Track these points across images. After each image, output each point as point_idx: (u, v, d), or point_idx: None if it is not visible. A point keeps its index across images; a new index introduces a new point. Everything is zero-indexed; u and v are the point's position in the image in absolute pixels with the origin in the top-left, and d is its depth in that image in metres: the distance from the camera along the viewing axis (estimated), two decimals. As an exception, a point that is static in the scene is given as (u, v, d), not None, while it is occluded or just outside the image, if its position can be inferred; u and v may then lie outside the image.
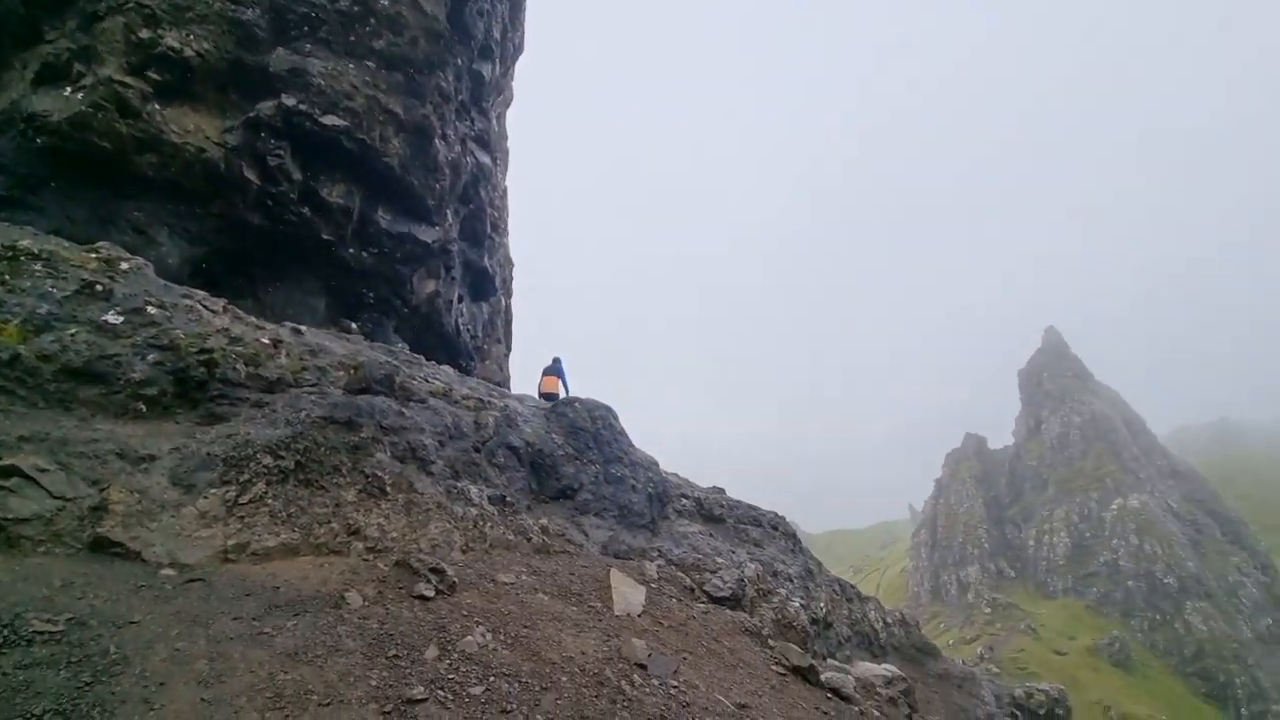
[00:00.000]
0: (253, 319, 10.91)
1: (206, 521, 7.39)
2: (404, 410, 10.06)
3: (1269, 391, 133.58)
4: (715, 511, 16.88)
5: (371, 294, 15.73)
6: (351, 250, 14.96)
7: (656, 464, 15.86)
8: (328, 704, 4.91)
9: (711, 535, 15.32)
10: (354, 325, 14.96)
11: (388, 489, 8.82)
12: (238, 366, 9.36)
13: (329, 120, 13.68)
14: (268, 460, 7.99)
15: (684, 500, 16.25)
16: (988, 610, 62.94)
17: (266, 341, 10.22)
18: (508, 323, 25.10)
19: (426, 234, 16.23)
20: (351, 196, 14.54)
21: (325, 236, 14.40)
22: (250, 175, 13.30)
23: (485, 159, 19.01)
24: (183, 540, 7.07)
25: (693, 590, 11.24)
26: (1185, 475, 74.95)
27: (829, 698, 8.48)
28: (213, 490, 7.58)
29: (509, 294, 25.28)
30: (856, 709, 8.49)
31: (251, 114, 13.33)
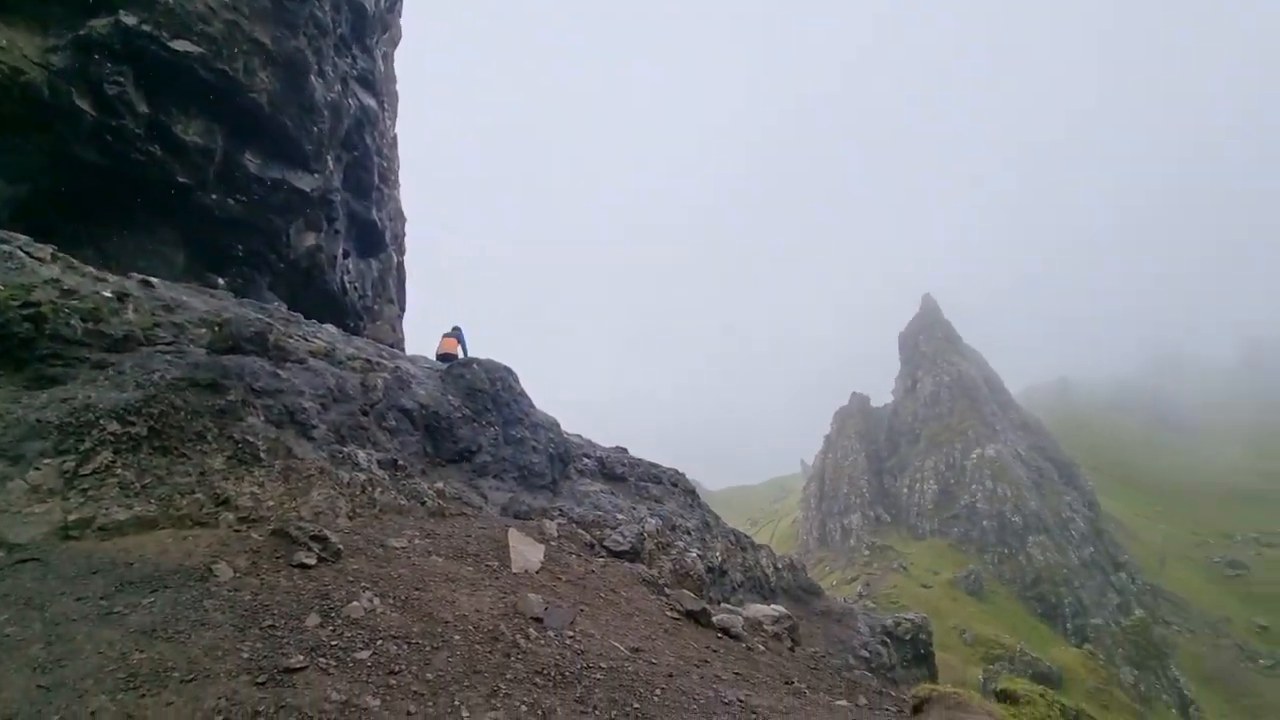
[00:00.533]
0: (91, 270, 9.60)
1: (40, 496, 6.55)
2: (279, 371, 9.31)
3: (1101, 355, 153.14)
4: (617, 470, 17.15)
5: (241, 246, 14.30)
6: (215, 196, 13.46)
7: (558, 425, 15.81)
8: (191, 679, 4.56)
9: (613, 493, 15.57)
10: (220, 280, 13.58)
11: (262, 455, 8.19)
12: (73, 322, 8.23)
13: (180, 45, 12.07)
14: (114, 427, 7.16)
15: (586, 460, 16.37)
16: (867, 553, 68.92)
17: (109, 295, 9.04)
18: (400, 282, 23.79)
19: (304, 181, 14.88)
20: (212, 135, 13.01)
21: (182, 180, 12.84)
22: (83, 104, 11.54)
23: (370, 101, 17.59)
24: (9, 517, 6.24)
25: (593, 546, 11.41)
26: (1032, 428, 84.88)
27: (719, 636, 8.96)
28: (46, 461, 6.71)
29: (401, 250, 23.89)
30: (744, 645, 9.04)
31: (81, 32, 11.49)
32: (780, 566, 24.45)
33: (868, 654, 22.41)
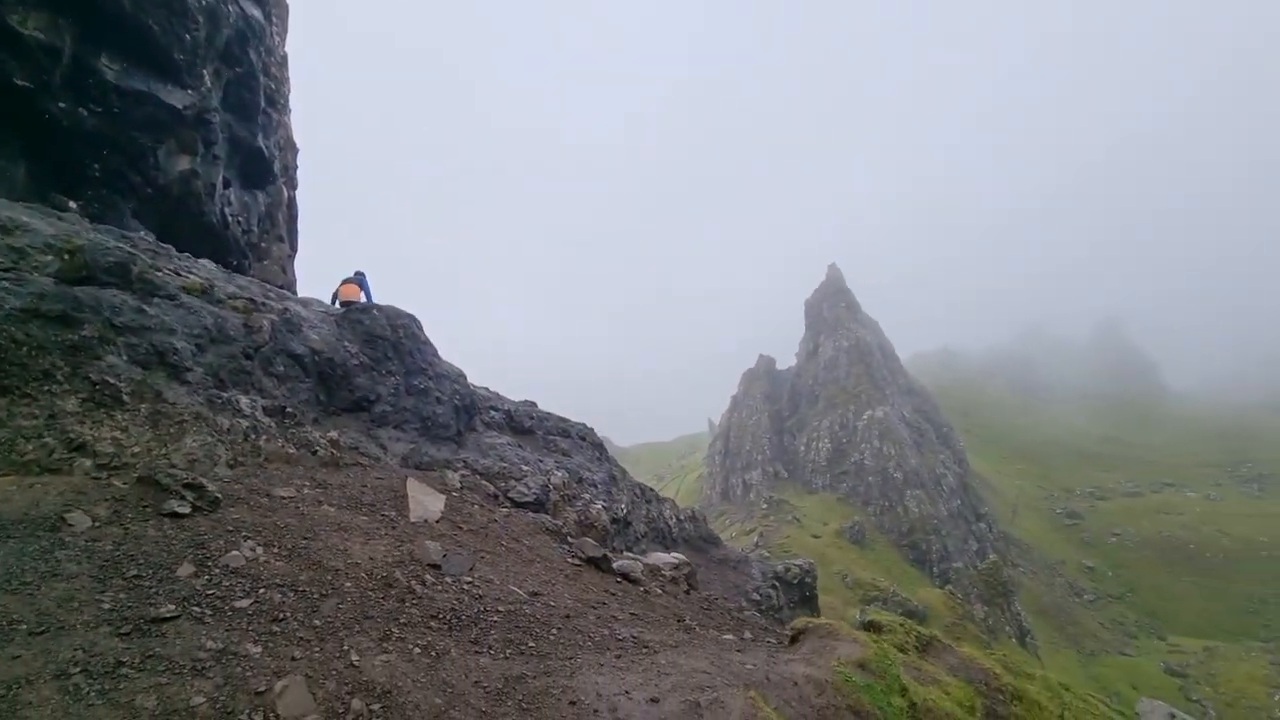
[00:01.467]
0: (-98, 179, 8.18)
1: None
2: (145, 307, 8.43)
3: (980, 327, 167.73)
4: (525, 423, 17.06)
5: (97, 166, 12.62)
6: (63, 105, 11.72)
7: (464, 376, 15.43)
8: (42, 631, 4.19)
9: (520, 446, 15.51)
10: (72, 204, 11.99)
11: (125, 398, 7.45)
12: (-121, 239, 7.02)
13: (14, -81, 10.24)
14: (-63, 360, 6.26)
15: (493, 413, 16.15)
16: (765, 506, 73.07)
17: (-73, 210, 7.76)
18: (292, 218, 21.97)
19: (175, 97, 13.25)
20: (58, 32, 11.24)
21: (20, 81, 11.07)
22: (-118, -23, 9.60)
23: (255, 11, 15.78)
24: None
25: (497, 497, 11.38)
26: (917, 392, 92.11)
27: (619, 581, 9.28)
28: None
29: (293, 184, 21.99)
30: (641, 588, 9.42)
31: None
32: (682, 518, 25.51)
33: (759, 596, 24.04)
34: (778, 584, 26.02)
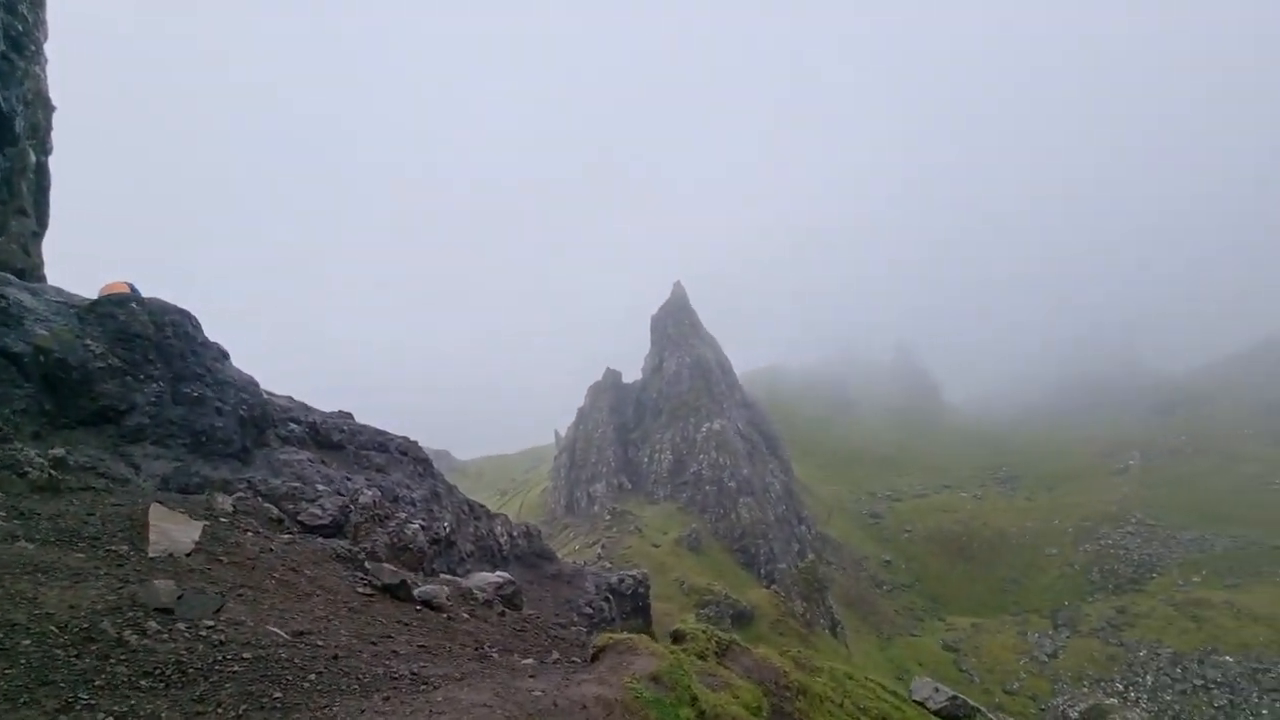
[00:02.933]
0: None
1: None
2: None
3: (802, 347, 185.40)
4: (333, 437, 15.44)
5: None
6: None
7: (256, 384, 13.57)
8: None
9: (324, 462, 13.96)
10: None
11: None
12: None
13: None
14: None
15: (293, 426, 14.39)
16: (608, 518, 73.80)
17: None
18: (41, 189, 18.12)
19: None
20: None
21: None
22: None
23: (-16, -67, 12.81)
24: None
25: (281, 521, 10.00)
26: (750, 405, 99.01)
27: (418, 610, 8.52)
28: None
29: (44, 148, 18.18)
30: (444, 615, 8.74)
31: None
32: (515, 534, 24.72)
33: (591, 610, 23.93)
34: (611, 596, 26.12)
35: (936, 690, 13.35)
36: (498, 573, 16.93)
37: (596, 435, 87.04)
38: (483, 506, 22.13)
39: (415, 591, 8.93)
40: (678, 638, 8.23)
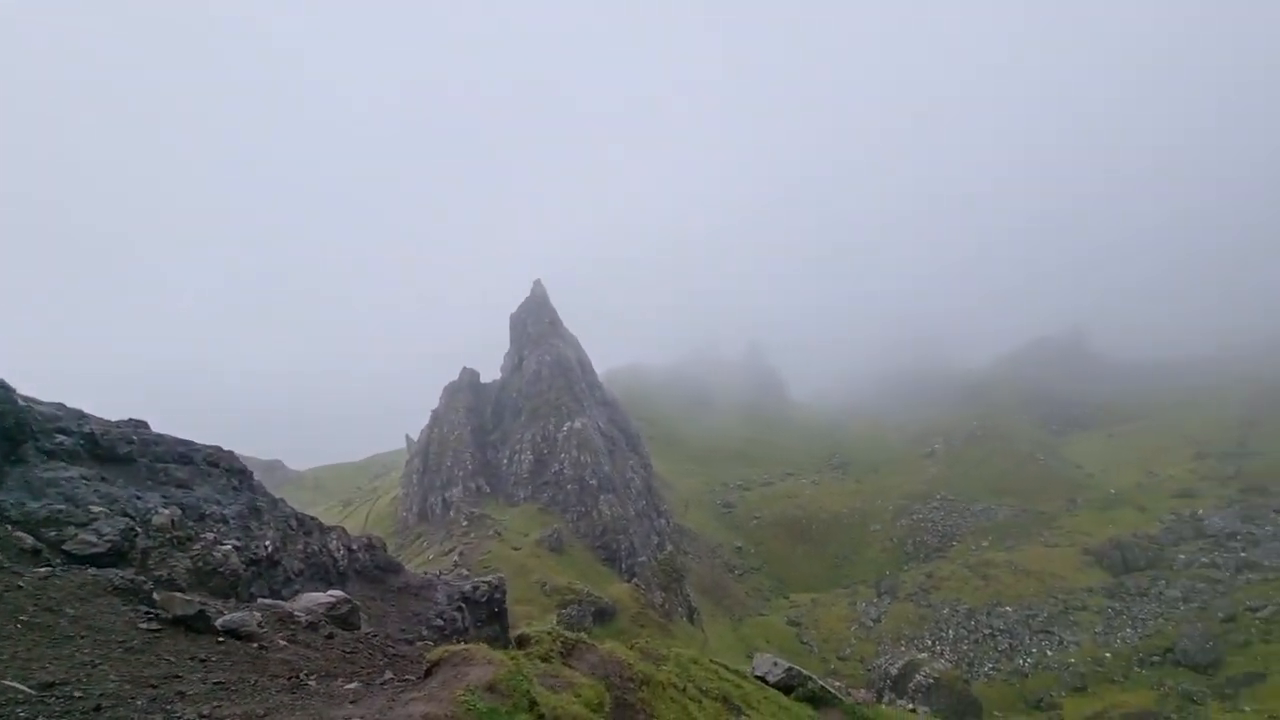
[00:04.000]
0: None
1: None
2: None
3: (661, 345, 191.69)
4: (120, 450, 13.20)
5: None
6: None
7: (8, 388, 11.17)
8: None
9: (105, 479, 11.86)
10: None
11: None
12: None
13: None
14: None
15: (61, 437, 12.06)
16: (465, 523, 70.99)
17: None
18: None
19: None
20: None
21: None
22: None
23: None
24: None
25: (38, 552, 8.30)
26: (611, 404, 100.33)
27: (219, 642, 7.47)
28: None
29: None
30: (255, 645, 7.75)
31: None
32: (355, 548, 22.86)
33: (443, 621, 22.76)
34: (465, 605, 25.05)
35: (775, 664, 14.32)
36: (331, 592, 15.49)
37: (452, 438, 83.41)
38: (314, 520, 20.17)
39: (218, 621, 7.83)
40: (522, 642, 7.99)
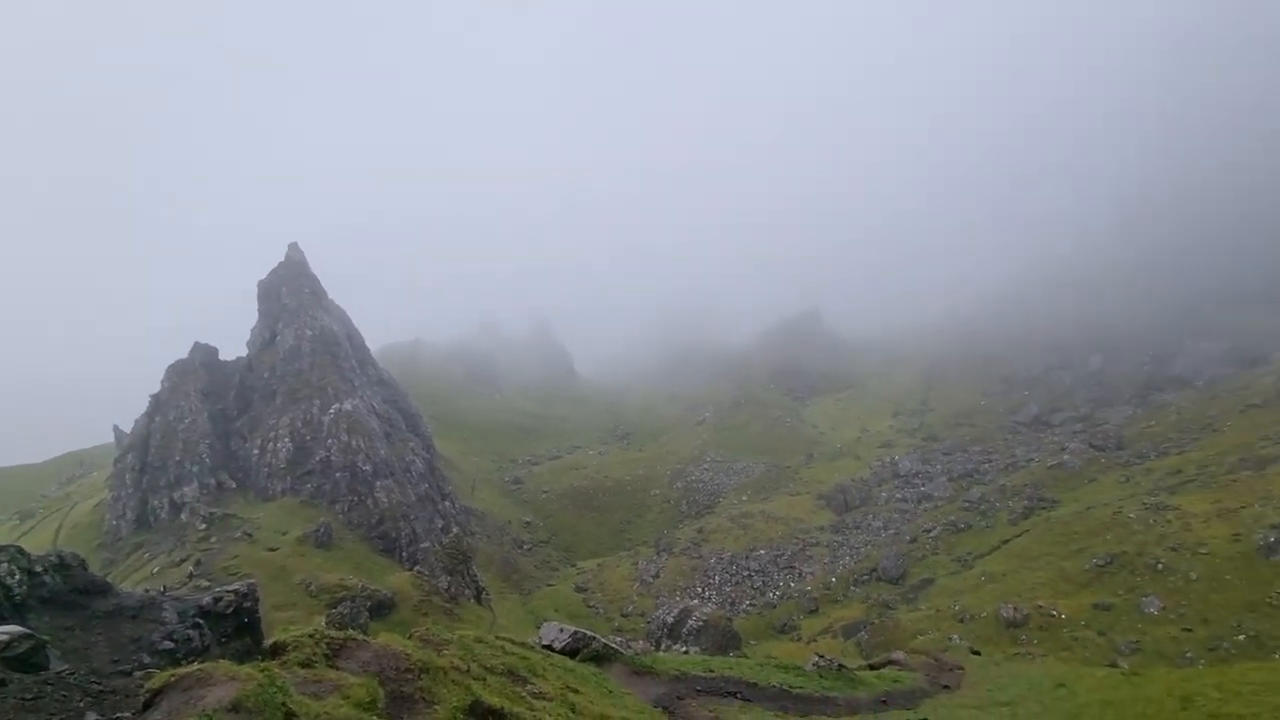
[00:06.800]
0: None
1: None
2: None
3: (443, 320, 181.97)
4: None
5: None
6: None
7: None
8: None
9: None
10: None
11: None
12: None
13: None
14: None
15: None
16: (203, 526, 60.58)
17: None
18: None
19: None
20: None
21: None
22: None
23: None
24: None
25: None
26: (388, 383, 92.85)
27: None
28: None
29: None
30: None
31: None
32: (39, 570, 18.04)
33: (173, 644, 19.14)
34: (203, 621, 21.34)
35: (561, 630, 14.63)
36: (5, 628, 12.08)
37: (182, 427, 70.17)
38: (-29, 540, 15.40)
39: None
40: (276, 650, 6.95)
